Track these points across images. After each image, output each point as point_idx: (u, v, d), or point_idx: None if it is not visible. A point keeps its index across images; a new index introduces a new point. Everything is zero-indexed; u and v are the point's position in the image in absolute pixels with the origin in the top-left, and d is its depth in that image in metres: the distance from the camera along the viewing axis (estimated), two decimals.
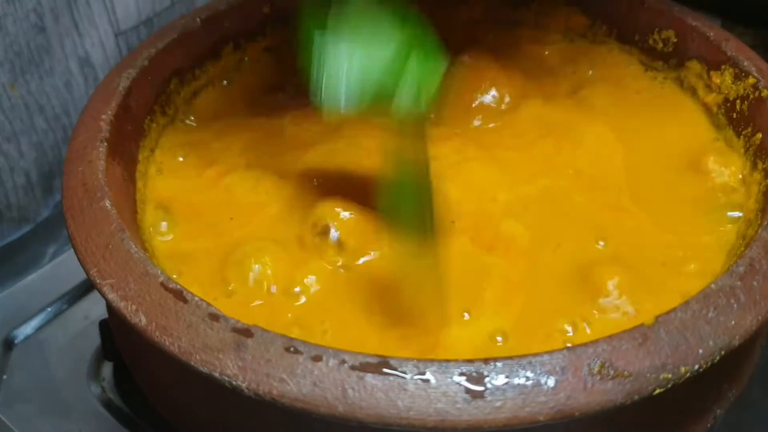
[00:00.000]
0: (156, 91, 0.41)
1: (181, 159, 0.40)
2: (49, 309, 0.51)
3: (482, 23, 0.49)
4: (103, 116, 0.36)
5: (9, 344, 0.49)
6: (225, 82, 0.46)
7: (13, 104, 0.53)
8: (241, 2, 0.45)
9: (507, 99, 0.43)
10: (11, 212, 0.57)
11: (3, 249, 0.56)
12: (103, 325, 0.45)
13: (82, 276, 0.52)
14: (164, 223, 0.37)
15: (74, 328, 0.50)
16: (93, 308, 0.51)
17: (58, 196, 0.60)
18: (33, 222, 0.58)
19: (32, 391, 0.46)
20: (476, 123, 0.43)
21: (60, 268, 0.54)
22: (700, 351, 0.27)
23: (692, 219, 0.36)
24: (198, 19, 0.43)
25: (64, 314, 0.51)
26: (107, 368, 0.47)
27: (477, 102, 0.43)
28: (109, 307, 0.30)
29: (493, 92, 0.43)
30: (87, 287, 0.52)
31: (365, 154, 0.40)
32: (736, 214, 0.36)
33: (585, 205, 0.37)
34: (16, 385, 0.47)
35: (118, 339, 0.38)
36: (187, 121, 0.43)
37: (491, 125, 0.42)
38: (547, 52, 0.47)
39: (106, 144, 0.35)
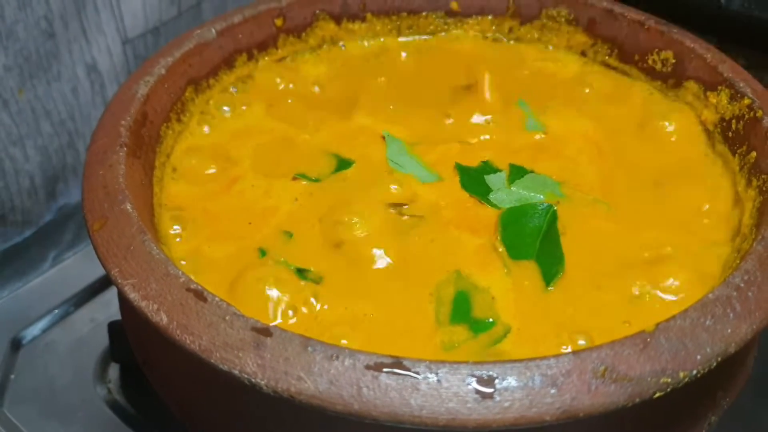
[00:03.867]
0: (172, 99, 0.42)
1: (195, 165, 0.41)
2: (56, 311, 0.52)
3: (489, 39, 0.51)
4: (123, 122, 0.37)
5: (17, 345, 0.50)
6: (238, 90, 0.47)
7: (21, 108, 0.54)
8: (255, 14, 0.46)
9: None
10: (15, 215, 0.57)
11: (6, 252, 0.57)
12: (113, 326, 0.46)
13: (89, 279, 0.53)
14: (178, 227, 0.38)
15: (81, 330, 0.51)
16: (99, 311, 0.52)
17: (61, 200, 0.60)
18: (36, 226, 0.59)
19: (39, 391, 0.47)
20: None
21: (67, 272, 0.55)
22: (698, 357, 0.28)
23: (690, 232, 0.38)
24: (213, 30, 0.44)
25: (71, 317, 0.52)
26: (113, 370, 0.48)
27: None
28: (128, 306, 0.31)
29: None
30: (94, 290, 0.53)
31: (372, 162, 0.42)
32: (732, 228, 0.37)
33: (574, 218, 0.39)
34: (24, 385, 0.47)
35: (133, 339, 0.38)
36: (201, 128, 0.44)
37: (485, 137, 0.44)
38: (549, 68, 0.49)
39: (125, 149, 0.36)
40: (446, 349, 0.33)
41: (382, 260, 0.36)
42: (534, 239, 0.37)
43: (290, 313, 0.34)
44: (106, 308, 0.51)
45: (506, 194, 0.39)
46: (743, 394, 0.36)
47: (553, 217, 0.38)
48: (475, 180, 0.40)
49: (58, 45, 0.55)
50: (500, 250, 0.37)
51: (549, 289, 0.35)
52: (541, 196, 0.39)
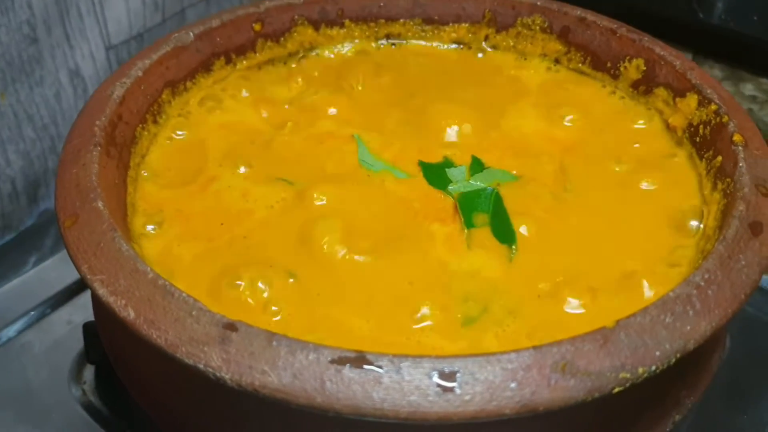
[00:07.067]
0: (149, 101, 0.42)
1: (170, 166, 0.41)
2: (32, 313, 0.52)
3: (465, 46, 0.51)
4: (98, 122, 0.37)
5: None
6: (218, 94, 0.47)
7: (2, 113, 0.54)
8: (233, 19, 0.46)
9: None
10: None
11: None
12: (87, 327, 0.46)
13: (66, 281, 0.53)
14: (152, 227, 0.38)
15: (57, 332, 0.51)
16: (76, 313, 0.52)
17: (42, 204, 0.61)
18: (16, 230, 0.59)
19: (14, 393, 0.47)
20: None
21: (43, 274, 0.55)
22: (657, 353, 0.29)
23: (656, 234, 0.38)
24: (191, 34, 0.45)
25: (47, 318, 0.52)
26: (89, 371, 0.48)
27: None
28: (98, 303, 0.31)
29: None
30: (70, 293, 0.53)
31: (347, 164, 0.43)
32: (697, 228, 0.38)
33: (542, 217, 0.40)
34: None
35: (104, 336, 0.39)
36: (178, 131, 0.44)
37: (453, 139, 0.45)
38: (523, 76, 0.49)
39: (99, 149, 0.36)
40: (465, 324, 0.34)
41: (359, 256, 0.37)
42: (486, 219, 0.39)
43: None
44: (84, 310, 0.51)
45: (463, 186, 0.41)
46: (711, 398, 0.37)
47: (498, 198, 0.40)
48: (436, 174, 0.42)
49: (41, 50, 0.55)
50: (465, 232, 0.38)
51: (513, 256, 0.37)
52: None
